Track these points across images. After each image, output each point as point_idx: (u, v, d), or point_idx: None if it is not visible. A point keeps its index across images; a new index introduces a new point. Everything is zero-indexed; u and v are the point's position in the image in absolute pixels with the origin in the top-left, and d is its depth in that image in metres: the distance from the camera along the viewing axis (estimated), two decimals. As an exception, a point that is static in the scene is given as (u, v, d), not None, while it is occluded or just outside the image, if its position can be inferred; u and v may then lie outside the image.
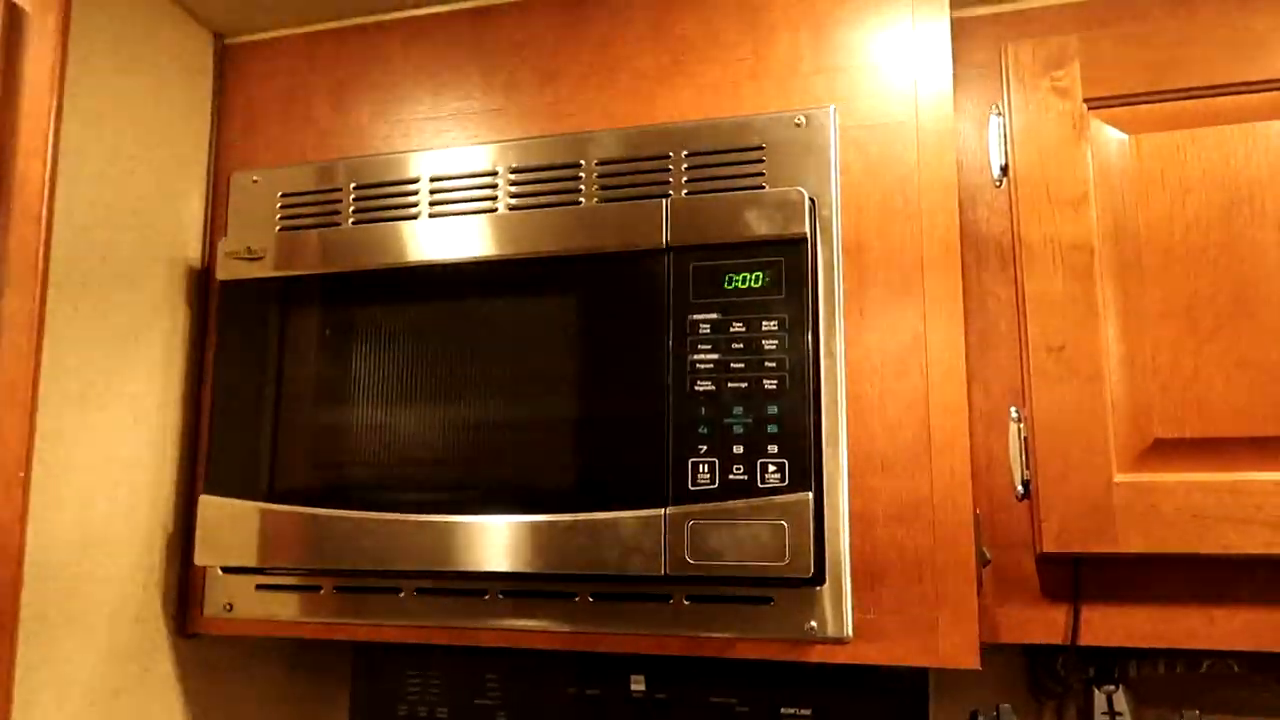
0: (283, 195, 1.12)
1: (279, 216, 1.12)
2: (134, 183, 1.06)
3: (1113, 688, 1.01)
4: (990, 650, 1.24)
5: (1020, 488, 0.96)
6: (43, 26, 0.94)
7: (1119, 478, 0.93)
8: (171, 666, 1.09)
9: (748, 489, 0.88)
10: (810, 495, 0.87)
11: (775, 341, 0.90)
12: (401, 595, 1.01)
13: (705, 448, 0.90)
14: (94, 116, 1.00)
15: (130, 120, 1.05)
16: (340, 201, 1.10)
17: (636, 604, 0.94)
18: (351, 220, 1.09)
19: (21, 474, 0.89)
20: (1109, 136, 0.98)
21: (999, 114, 1.02)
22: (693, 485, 0.90)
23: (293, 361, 1.04)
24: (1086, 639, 0.94)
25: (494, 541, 0.94)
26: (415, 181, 1.08)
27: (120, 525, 1.02)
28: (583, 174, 1.02)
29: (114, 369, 1.02)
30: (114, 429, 1.02)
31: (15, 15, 0.93)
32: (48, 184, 0.92)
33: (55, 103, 0.94)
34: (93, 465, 0.99)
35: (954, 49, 1.04)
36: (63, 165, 0.95)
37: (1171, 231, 0.95)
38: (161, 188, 1.10)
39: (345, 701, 1.43)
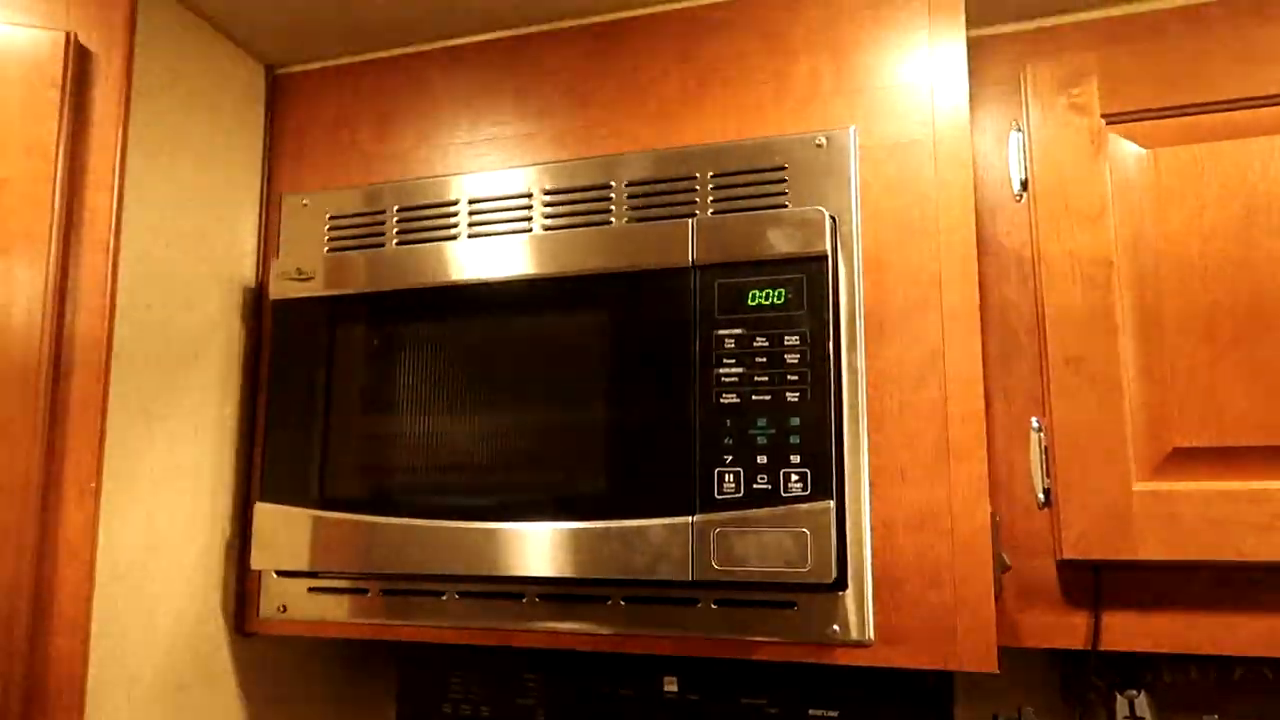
0: (331, 218, 1.18)
1: (327, 238, 1.18)
2: (192, 209, 1.12)
3: (1135, 693, 1.03)
4: (1021, 655, 1.25)
5: (1041, 496, 0.99)
6: (108, 66, 1.01)
7: (1138, 486, 0.95)
8: (230, 664, 1.15)
9: (771, 498, 0.92)
10: (832, 504, 0.90)
11: (797, 355, 0.93)
12: (444, 598, 1.06)
13: (730, 458, 0.94)
14: (155, 148, 1.07)
15: (188, 150, 1.12)
16: (384, 223, 1.16)
17: (666, 607, 0.98)
18: (395, 241, 1.15)
19: (93, 484, 0.96)
20: (1127, 151, 1.00)
21: (1019, 130, 1.04)
22: (718, 494, 0.93)
23: (341, 376, 1.10)
24: (1108, 644, 0.96)
25: (531, 547, 0.99)
26: (455, 204, 1.13)
27: (182, 530, 1.09)
28: (613, 195, 1.07)
29: (175, 384, 1.09)
30: (176, 441, 1.08)
31: (83, 57, 1.00)
32: (114, 215, 0.99)
33: (121, 138, 1.00)
34: (156, 475, 1.05)
35: (974, 67, 1.07)
36: (128, 197, 1.02)
37: (1189, 244, 0.97)
38: (217, 213, 1.17)
39: (393, 699, 1.49)
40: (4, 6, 0.99)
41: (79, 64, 1.00)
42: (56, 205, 0.96)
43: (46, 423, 0.95)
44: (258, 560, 1.10)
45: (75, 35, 0.99)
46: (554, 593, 1.02)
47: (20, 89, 0.97)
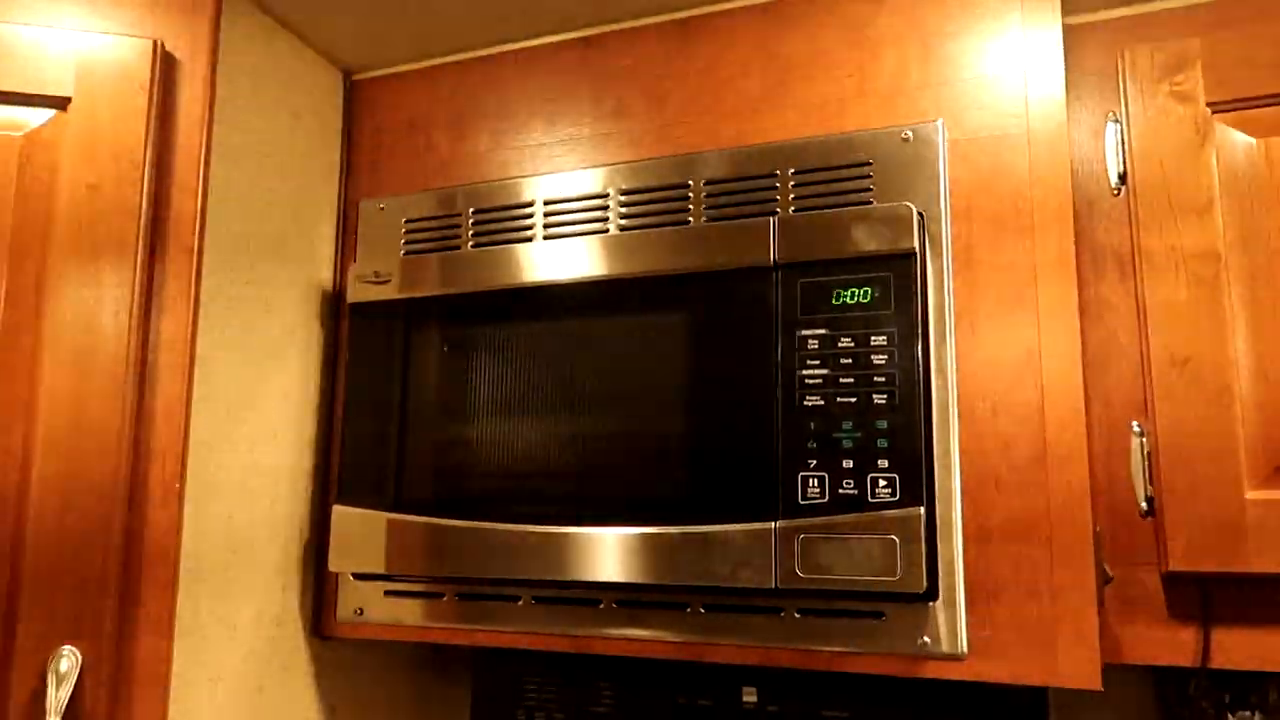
0: (407, 221, 1.18)
1: (404, 241, 1.18)
2: (272, 213, 1.14)
3: (1249, 714, 0.97)
4: (1118, 672, 1.20)
5: (1144, 504, 0.94)
6: (193, 73, 1.03)
7: (1251, 494, 0.89)
8: (308, 666, 1.16)
9: (858, 504, 0.89)
10: (922, 510, 0.87)
11: (884, 356, 0.90)
12: (520, 603, 1.05)
13: (815, 462, 0.91)
14: (237, 154, 1.08)
15: (268, 155, 1.13)
16: (460, 226, 1.15)
17: (747, 616, 0.95)
18: (471, 244, 1.14)
19: (177, 485, 0.97)
20: (1235, 140, 0.95)
21: (1116, 121, 1.00)
22: (802, 499, 0.91)
23: (418, 378, 1.10)
24: (1217, 662, 0.90)
25: (608, 552, 0.97)
26: (530, 205, 1.12)
27: (262, 532, 1.10)
28: (691, 194, 1.04)
29: (256, 387, 1.09)
30: (256, 442, 1.09)
31: (169, 64, 1.02)
32: (199, 218, 1.00)
33: (204, 143, 1.01)
34: (237, 477, 1.06)
35: (1067, 56, 1.03)
36: (211, 200, 1.03)
37: (1305, 237, 0.91)
38: (296, 217, 1.18)
39: (467, 704, 1.48)
40: (94, 15, 1.01)
41: (165, 71, 1.01)
42: (143, 210, 0.97)
43: (133, 425, 0.96)
44: (335, 563, 1.10)
45: (162, 43, 1.01)
46: (631, 599, 1.00)
47: (109, 96, 0.98)
